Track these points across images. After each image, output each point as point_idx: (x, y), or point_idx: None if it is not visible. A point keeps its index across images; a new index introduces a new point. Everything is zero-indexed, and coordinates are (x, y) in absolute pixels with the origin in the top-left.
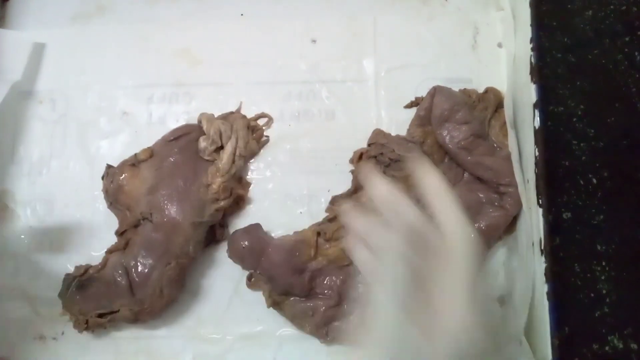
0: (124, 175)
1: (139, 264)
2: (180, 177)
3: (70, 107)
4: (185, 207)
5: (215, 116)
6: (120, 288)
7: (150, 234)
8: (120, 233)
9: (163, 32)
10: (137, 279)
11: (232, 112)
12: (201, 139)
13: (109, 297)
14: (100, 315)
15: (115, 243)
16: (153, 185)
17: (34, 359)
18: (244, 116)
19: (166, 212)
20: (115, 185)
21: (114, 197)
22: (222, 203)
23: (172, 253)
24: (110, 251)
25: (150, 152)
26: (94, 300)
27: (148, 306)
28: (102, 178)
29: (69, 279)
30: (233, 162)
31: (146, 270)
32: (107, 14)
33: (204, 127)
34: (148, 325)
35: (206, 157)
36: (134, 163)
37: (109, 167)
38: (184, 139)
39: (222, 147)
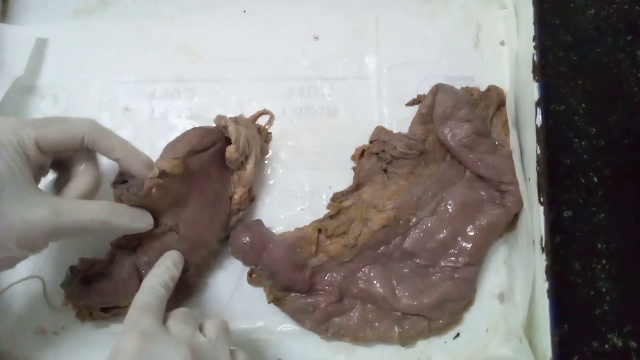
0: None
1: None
2: (212, 191)
3: (72, 102)
4: (216, 225)
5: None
6: (131, 288)
7: (173, 244)
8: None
9: (165, 27)
10: None
11: (241, 115)
12: (231, 149)
13: (116, 294)
14: (104, 310)
15: (124, 238)
16: (181, 198)
17: (34, 353)
18: (253, 121)
19: (196, 229)
20: (141, 200)
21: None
22: (241, 213)
23: (192, 262)
24: (117, 246)
25: (183, 166)
26: (99, 295)
27: None
28: (113, 186)
29: (73, 272)
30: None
31: None
32: (110, 9)
33: (233, 136)
34: None
35: (234, 168)
36: (161, 179)
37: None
38: (213, 149)
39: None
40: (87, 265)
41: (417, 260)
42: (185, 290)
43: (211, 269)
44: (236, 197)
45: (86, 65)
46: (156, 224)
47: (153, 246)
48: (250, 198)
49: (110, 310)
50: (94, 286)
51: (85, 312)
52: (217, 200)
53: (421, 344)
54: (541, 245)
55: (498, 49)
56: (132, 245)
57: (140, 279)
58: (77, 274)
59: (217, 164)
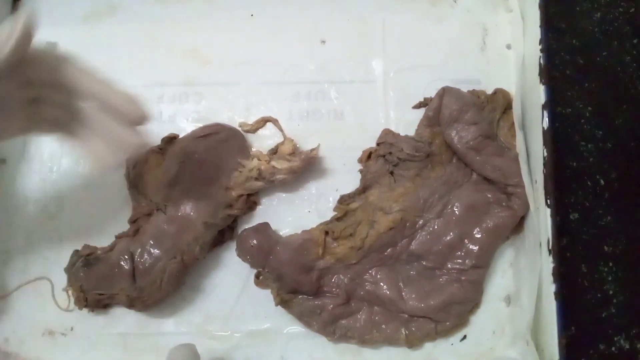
0: (147, 162)
1: (145, 252)
2: (202, 175)
3: None
4: (201, 206)
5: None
6: (123, 273)
7: (162, 226)
8: (132, 221)
9: (173, 31)
10: (140, 267)
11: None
12: (242, 166)
13: (111, 279)
14: (100, 295)
15: (127, 230)
16: (174, 178)
17: (43, 355)
18: (256, 129)
19: (181, 207)
20: (137, 170)
21: (134, 183)
22: (235, 211)
23: (179, 248)
24: (120, 236)
25: (176, 135)
26: (96, 280)
27: (145, 295)
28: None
29: (76, 256)
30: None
31: (151, 260)
32: (118, 13)
33: (247, 166)
34: (156, 322)
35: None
36: (161, 147)
37: None
38: (213, 137)
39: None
40: (89, 250)
41: (424, 263)
42: (169, 281)
43: (199, 262)
44: (233, 193)
45: (95, 69)
46: (149, 204)
47: (146, 231)
48: (251, 202)
49: (104, 296)
50: (93, 269)
51: (82, 297)
52: (206, 184)
53: (428, 346)
54: (548, 247)
55: (504, 53)
56: (131, 233)
57: (133, 265)
58: (79, 257)
59: (214, 152)
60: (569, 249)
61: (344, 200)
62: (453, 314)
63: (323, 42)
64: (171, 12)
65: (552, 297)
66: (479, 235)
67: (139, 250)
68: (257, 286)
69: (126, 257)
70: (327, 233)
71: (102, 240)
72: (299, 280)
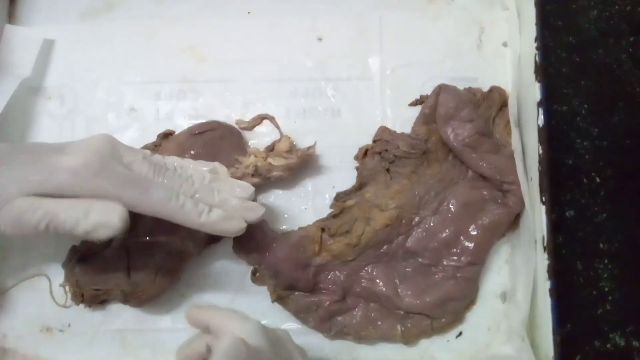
0: None
1: (140, 248)
2: None
3: (79, 103)
4: None
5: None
6: (119, 268)
7: (155, 222)
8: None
9: (171, 29)
10: (135, 263)
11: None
12: (239, 162)
13: (107, 274)
14: (96, 291)
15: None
16: None
17: (41, 351)
18: (253, 126)
19: None
20: None
21: None
22: None
23: (174, 244)
24: None
25: (172, 131)
26: (92, 275)
27: (140, 291)
28: None
29: (73, 251)
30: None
31: (146, 256)
32: (116, 10)
33: (244, 162)
34: (153, 318)
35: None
36: (156, 144)
37: None
38: (209, 134)
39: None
40: (87, 245)
41: (420, 259)
42: (164, 276)
43: (194, 258)
44: None
45: (92, 66)
46: None
47: (144, 226)
48: None
49: (100, 291)
50: (89, 264)
51: (78, 293)
52: None
53: (424, 342)
54: (543, 244)
55: (501, 50)
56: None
57: (129, 260)
58: (76, 253)
59: (210, 149)
60: (565, 246)
61: (340, 197)
62: (449, 310)
63: (320, 39)
64: (169, 9)
65: (548, 294)
66: (474, 232)
67: (135, 246)
68: (254, 283)
69: (121, 252)
70: (323, 230)
71: None
72: (296, 276)
